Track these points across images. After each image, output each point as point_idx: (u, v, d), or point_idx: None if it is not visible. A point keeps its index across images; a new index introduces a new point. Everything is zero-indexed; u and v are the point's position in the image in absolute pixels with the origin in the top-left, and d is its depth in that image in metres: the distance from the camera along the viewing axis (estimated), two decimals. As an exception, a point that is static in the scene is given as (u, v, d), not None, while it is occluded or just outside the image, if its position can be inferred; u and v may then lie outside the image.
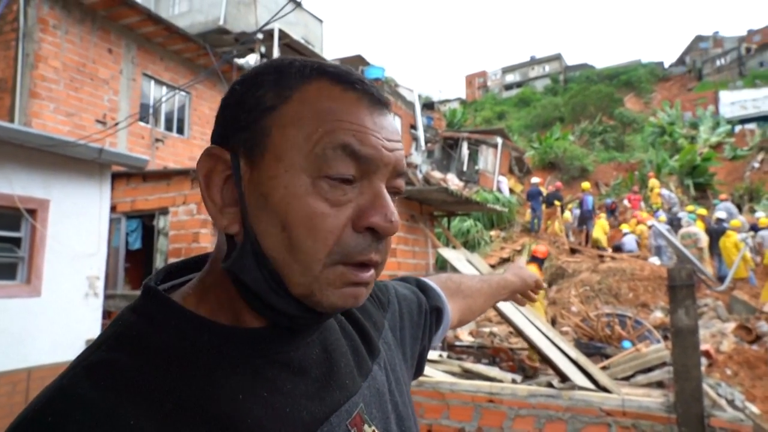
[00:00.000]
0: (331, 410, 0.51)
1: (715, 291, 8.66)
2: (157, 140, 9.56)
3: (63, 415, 0.40)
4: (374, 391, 0.58)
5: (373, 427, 0.54)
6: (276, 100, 0.49)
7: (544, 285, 1.14)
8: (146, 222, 7.05)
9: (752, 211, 15.86)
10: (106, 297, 6.37)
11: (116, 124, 6.41)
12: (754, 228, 11.61)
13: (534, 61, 58.93)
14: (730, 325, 7.50)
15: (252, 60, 12.91)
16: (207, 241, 6.35)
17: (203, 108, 10.74)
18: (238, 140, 0.49)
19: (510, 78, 59.45)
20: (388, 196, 0.49)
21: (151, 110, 9.24)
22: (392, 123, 0.52)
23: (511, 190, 18.00)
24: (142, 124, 9.35)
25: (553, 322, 7.29)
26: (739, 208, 15.71)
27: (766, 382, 6.25)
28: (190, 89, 10.36)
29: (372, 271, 0.49)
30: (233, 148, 0.49)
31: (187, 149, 10.31)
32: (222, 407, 0.45)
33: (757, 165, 23.49)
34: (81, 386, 0.42)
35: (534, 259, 6.23)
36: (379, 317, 0.69)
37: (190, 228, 6.35)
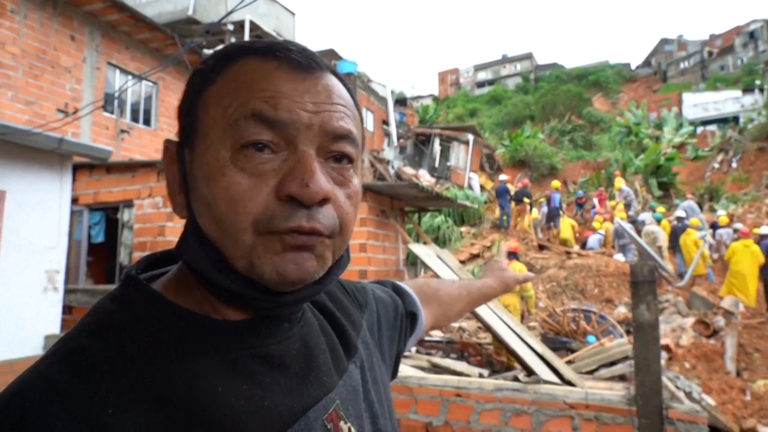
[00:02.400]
0: (308, 405, 0.51)
1: (675, 287, 8.95)
2: (123, 131, 9.29)
3: (40, 402, 0.39)
4: (350, 389, 0.58)
5: (349, 424, 0.55)
6: (203, 83, 0.50)
7: (532, 275, 1.13)
8: (110, 215, 6.85)
9: (712, 210, 16.45)
10: (67, 291, 6.17)
11: (75, 111, 6.19)
12: (715, 226, 12.03)
13: (506, 60, 59.63)
14: (690, 320, 7.76)
15: (222, 51, 12.68)
16: (174, 235, 6.21)
17: (171, 99, 10.49)
18: (181, 128, 0.52)
19: (482, 75, 60.01)
20: (309, 161, 0.47)
21: (116, 98, 8.96)
22: (326, 86, 0.50)
23: (482, 187, 18.19)
24: (106, 114, 9.07)
25: (522, 317, 7.41)
26: (700, 206, 16.25)
27: (722, 374, 6.49)
28: (158, 79, 10.10)
29: (317, 239, 0.47)
30: (180, 136, 0.52)
31: (154, 141, 10.05)
32: (200, 399, 0.44)
33: (717, 165, 24.36)
34: (57, 373, 0.42)
35: (511, 255, 6.32)
36: (358, 316, 0.69)
37: (155, 221, 6.20)
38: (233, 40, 13.55)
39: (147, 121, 10.08)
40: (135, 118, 9.85)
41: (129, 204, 6.49)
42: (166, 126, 10.37)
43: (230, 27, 13.39)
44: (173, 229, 6.25)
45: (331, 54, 20.51)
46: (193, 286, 0.51)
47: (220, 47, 0.54)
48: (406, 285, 0.89)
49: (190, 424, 0.43)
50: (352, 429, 0.55)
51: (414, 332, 0.84)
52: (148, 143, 9.90)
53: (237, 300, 0.50)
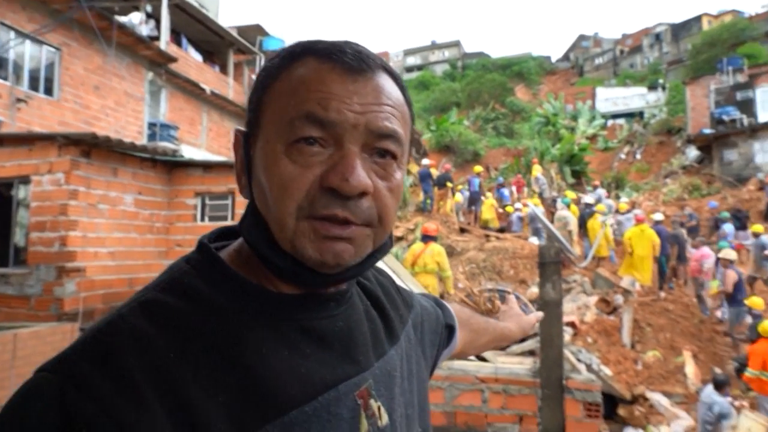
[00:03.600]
0: (340, 379, 0.56)
1: (579, 267, 9.59)
2: (19, 100, 8.47)
3: (118, 339, 0.47)
4: (385, 372, 0.62)
5: (379, 403, 0.59)
6: (267, 80, 0.56)
7: (541, 314, 1.19)
8: (2, 191, 6.25)
9: (617, 197, 17.73)
10: (-49, 276, 5.58)
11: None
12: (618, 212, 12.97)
13: (434, 46, 60.42)
14: (593, 299, 8.36)
15: (136, 18, 11.83)
16: (77, 214, 5.78)
17: (76, 67, 9.68)
18: (247, 119, 0.58)
19: (411, 60, 60.48)
20: (352, 158, 0.52)
21: (9, 61, 8.13)
22: (375, 87, 0.54)
23: (408, 171, 18.44)
24: (-1, 80, 8.21)
25: (442, 297, 7.63)
26: (608, 194, 17.45)
27: (619, 347, 7.06)
28: (61, 45, 9.27)
29: (350, 228, 0.52)
30: (247, 126, 0.59)
31: (57, 112, 9.26)
32: (247, 357, 0.50)
33: (623, 156, 26.26)
34: (135, 317, 0.50)
35: (429, 237, 6.43)
36: (405, 312, 0.76)
37: (56, 199, 5.73)
38: (149, 7, 12.69)
39: (49, 91, 9.25)
40: (34, 87, 9.00)
41: (25, 180, 5.96)
42: (71, 96, 9.57)
43: (146, -7, 12.50)
44: (77, 209, 5.81)
45: (258, 30, 19.79)
46: (253, 259, 0.57)
47: (285, 46, 0.58)
48: (445, 302, 0.94)
49: (235, 378, 0.49)
50: (382, 408, 0.59)
51: (449, 345, 0.89)
52: (50, 114, 9.10)
53: (286, 275, 0.56)
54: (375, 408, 0.58)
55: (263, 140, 0.54)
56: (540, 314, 1.19)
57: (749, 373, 5.60)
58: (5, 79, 8.34)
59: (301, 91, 0.52)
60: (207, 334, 0.50)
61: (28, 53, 8.71)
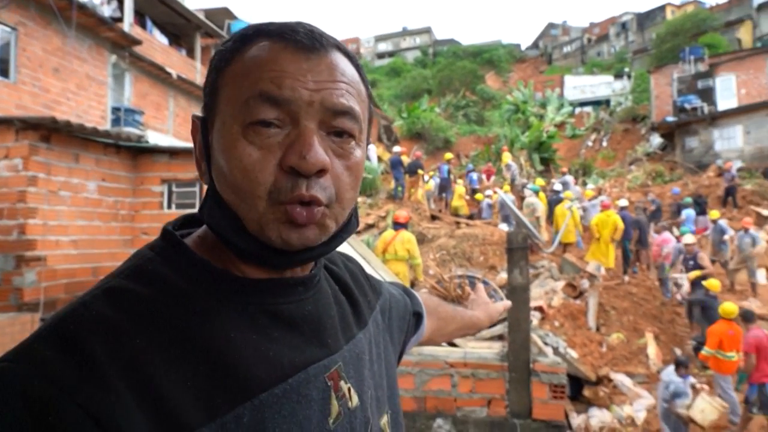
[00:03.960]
0: (309, 362, 0.56)
1: (545, 252, 9.80)
2: (-28, 82, 8.07)
3: (82, 326, 0.46)
4: (354, 355, 0.63)
5: (349, 385, 0.60)
6: (221, 64, 0.56)
7: (509, 303, 1.21)
8: (-44, 178, 5.97)
9: (584, 184, 18.11)
10: None
11: None
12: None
13: (406, 32, 60.13)
14: (560, 284, 8.56)
15: (96, -2, 11.37)
16: (36, 201, 5.58)
17: (34, 48, 9.26)
18: (204, 104, 0.58)
19: (382, 47, 60.08)
20: (308, 135, 0.52)
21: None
22: (329, 64, 0.54)
23: (380, 158, 18.40)
24: (-51, 61, 7.80)
25: (412, 285, 7.69)
26: (575, 180, 17.79)
27: (585, 330, 7.27)
28: (17, 25, 8.85)
29: (316, 209, 0.52)
30: (204, 111, 0.58)
31: (14, 95, 8.86)
32: (214, 341, 0.50)
33: (590, 144, 26.79)
34: (99, 305, 0.49)
35: (399, 225, 6.45)
36: (373, 298, 0.77)
37: (13, 186, 5.51)
38: (110, -13, 12.19)
39: (4, 72, 8.84)
40: (-12, 69, 8.59)
41: (-20, 166, 5.69)
42: (29, 79, 9.16)
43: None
44: (37, 196, 5.60)
45: (226, 13, 19.31)
46: (218, 245, 0.57)
47: (238, 30, 0.58)
48: (413, 291, 0.96)
49: (204, 363, 0.49)
50: (352, 390, 0.60)
51: (417, 332, 0.91)
52: (6, 97, 8.70)
53: (251, 258, 0.56)
54: (345, 389, 0.59)
55: (220, 123, 0.54)
56: (508, 303, 1.22)
57: (705, 351, 5.85)
58: (-44, 60, 7.93)
59: (255, 72, 0.52)
60: (174, 319, 0.50)
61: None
